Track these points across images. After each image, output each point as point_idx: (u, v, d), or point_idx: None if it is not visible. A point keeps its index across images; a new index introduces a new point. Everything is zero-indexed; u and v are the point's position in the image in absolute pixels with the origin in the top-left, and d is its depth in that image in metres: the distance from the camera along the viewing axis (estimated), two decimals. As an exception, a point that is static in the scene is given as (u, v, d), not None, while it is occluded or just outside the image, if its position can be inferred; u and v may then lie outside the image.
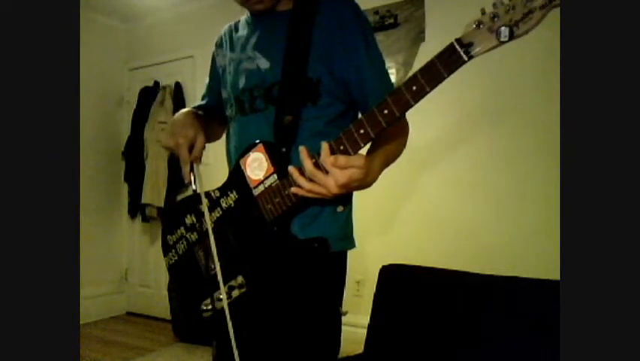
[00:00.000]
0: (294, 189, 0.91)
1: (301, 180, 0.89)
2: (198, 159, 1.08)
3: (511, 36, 0.75)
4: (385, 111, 0.83)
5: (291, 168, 0.90)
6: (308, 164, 0.87)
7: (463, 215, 2.63)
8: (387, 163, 0.98)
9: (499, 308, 1.50)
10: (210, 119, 1.22)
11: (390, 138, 0.98)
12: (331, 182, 0.84)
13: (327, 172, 0.85)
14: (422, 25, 2.75)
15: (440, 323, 1.57)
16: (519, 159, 2.48)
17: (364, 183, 0.90)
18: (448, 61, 0.78)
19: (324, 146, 0.86)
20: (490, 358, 1.44)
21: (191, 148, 1.06)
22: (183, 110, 1.16)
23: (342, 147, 0.87)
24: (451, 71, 0.79)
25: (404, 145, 1.04)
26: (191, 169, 1.07)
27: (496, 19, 0.76)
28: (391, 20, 2.83)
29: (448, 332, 1.54)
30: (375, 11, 2.85)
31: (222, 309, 1.00)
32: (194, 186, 1.07)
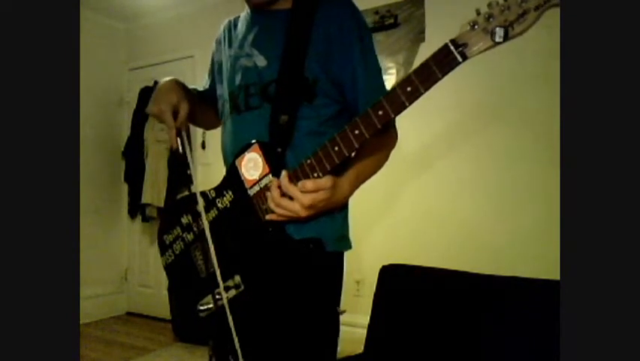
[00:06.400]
0: (268, 217, 0.96)
1: (272, 207, 0.94)
2: (184, 125, 1.08)
3: (506, 37, 0.75)
4: (380, 112, 0.83)
5: (268, 194, 0.94)
6: (274, 192, 0.92)
7: (463, 215, 2.63)
8: (360, 180, 1.00)
9: (499, 308, 1.50)
10: (203, 101, 1.22)
11: (368, 153, 1.00)
12: (297, 206, 0.90)
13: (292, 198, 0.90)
14: (422, 25, 2.75)
15: (440, 323, 1.56)
16: (519, 159, 2.48)
17: (330, 202, 0.93)
18: (443, 62, 0.78)
19: (283, 174, 0.91)
20: (490, 358, 1.44)
21: (176, 115, 1.06)
22: (166, 78, 1.14)
23: (336, 148, 0.88)
24: (445, 72, 0.78)
25: (386, 158, 1.06)
26: (178, 134, 1.07)
27: (491, 19, 0.76)
28: (391, 20, 2.83)
29: (448, 332, 1.54)
30: (375, 11, 2.85)
31: (219, 309, 1.00)
32: (180, 151, 1.07)
